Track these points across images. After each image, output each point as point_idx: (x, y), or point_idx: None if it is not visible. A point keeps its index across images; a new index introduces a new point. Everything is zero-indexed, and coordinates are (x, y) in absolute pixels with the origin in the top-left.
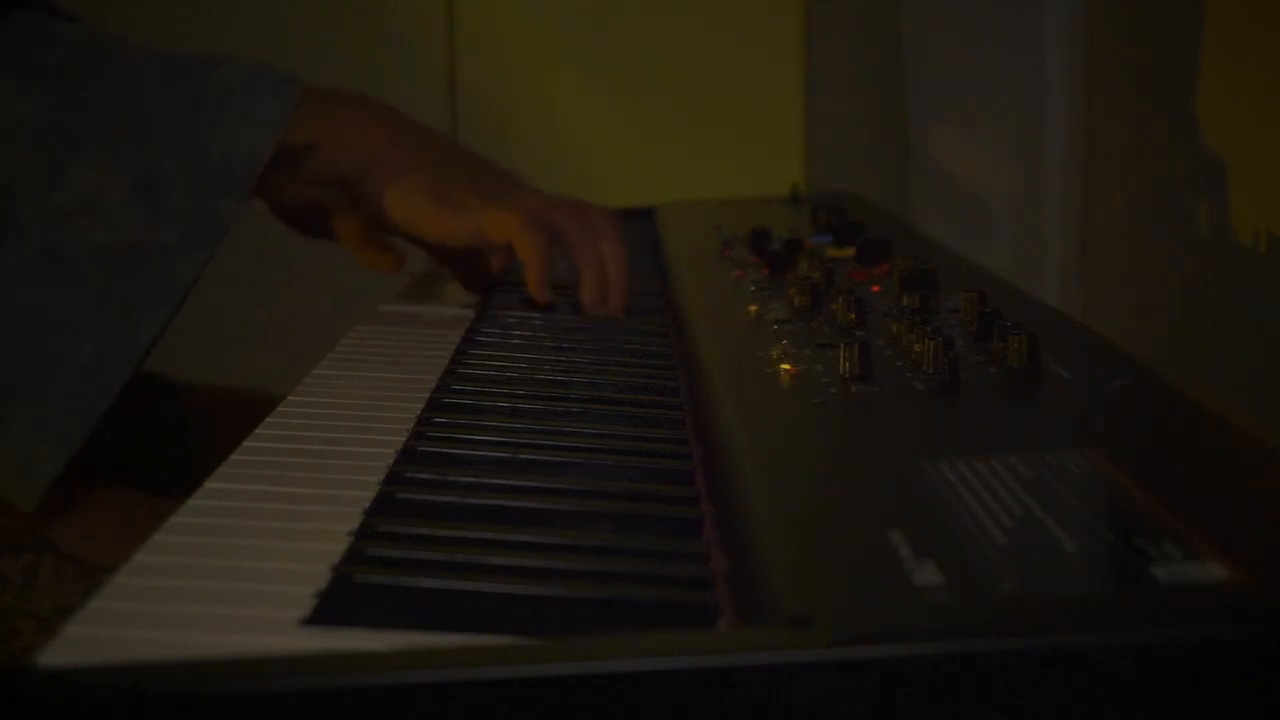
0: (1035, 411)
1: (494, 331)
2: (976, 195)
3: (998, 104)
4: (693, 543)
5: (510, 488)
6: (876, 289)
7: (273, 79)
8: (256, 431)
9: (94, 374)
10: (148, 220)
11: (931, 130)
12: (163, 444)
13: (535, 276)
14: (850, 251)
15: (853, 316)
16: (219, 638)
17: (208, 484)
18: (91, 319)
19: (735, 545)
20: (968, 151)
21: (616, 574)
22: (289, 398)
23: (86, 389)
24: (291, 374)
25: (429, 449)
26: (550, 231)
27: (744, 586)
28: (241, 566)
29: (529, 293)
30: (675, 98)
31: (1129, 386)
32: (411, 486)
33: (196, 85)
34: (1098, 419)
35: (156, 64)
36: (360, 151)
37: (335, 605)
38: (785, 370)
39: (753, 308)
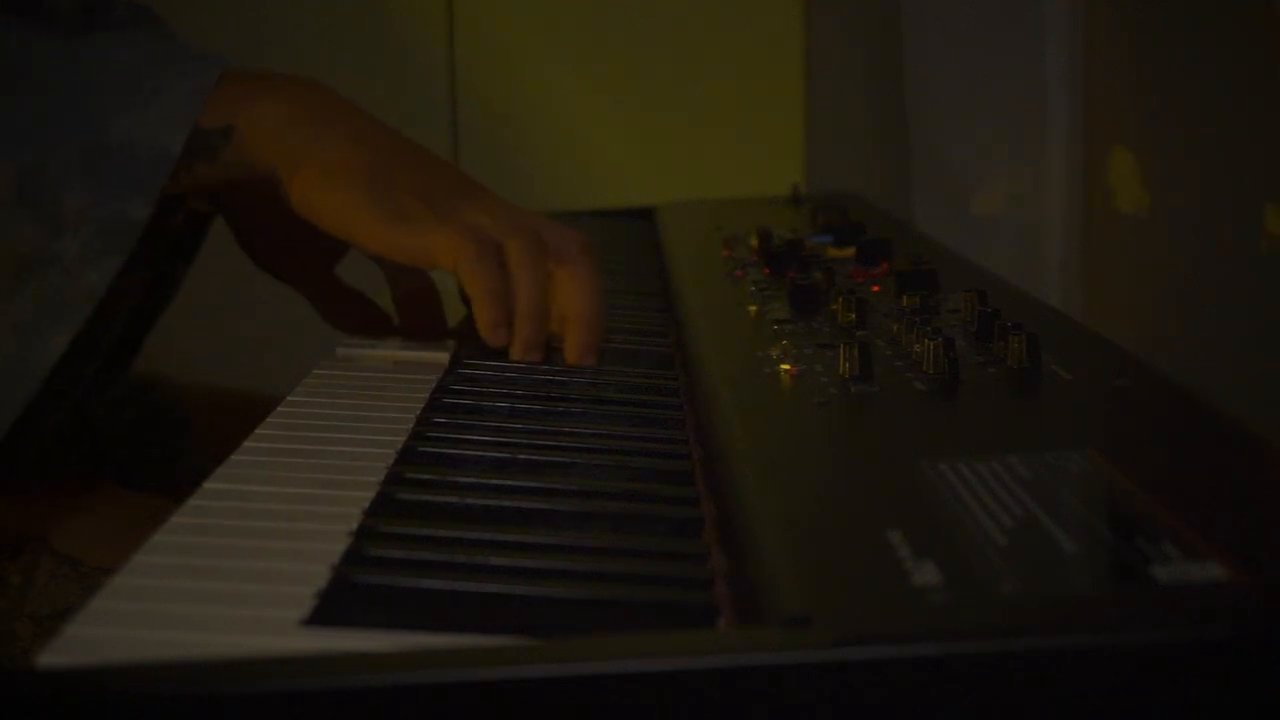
0: (1035, 412)
1: None
2: (977, 195)
3: (998, 104)
4: (692, 543)
5: (510, 488)
6: (876, 289)
7: (185, 59)
8: (256, 431)
9: None
10: (39, 226)
11: (931, 131)
12: (162, 444)
13: (483, 318)
14: (850, 251)
15: (853, 316)
16: (219, 638)
17: (208, 484)
18: None
19: (735, 545)
20: (968, 151)
21: (616, 574)
22: (289, 398)
23: None
24: (291, 374)
25: (429, 449)
26: (500, 258)
27: (743, 586)
28: (241, 567)
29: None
30: (675, 98)
31: (1129, 386)
32: (411, 487)
33: (94, 69)
34: (1098, 419)
35: (46, 48)
36: (285, 141)
37: (335, 605)
38: (785, 370)
39: (753, 307)
